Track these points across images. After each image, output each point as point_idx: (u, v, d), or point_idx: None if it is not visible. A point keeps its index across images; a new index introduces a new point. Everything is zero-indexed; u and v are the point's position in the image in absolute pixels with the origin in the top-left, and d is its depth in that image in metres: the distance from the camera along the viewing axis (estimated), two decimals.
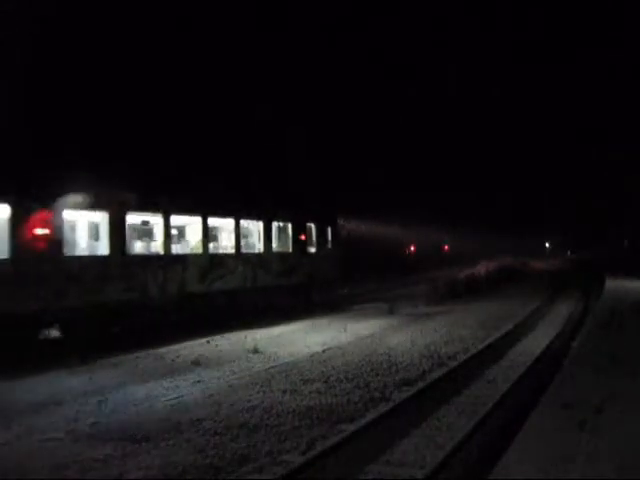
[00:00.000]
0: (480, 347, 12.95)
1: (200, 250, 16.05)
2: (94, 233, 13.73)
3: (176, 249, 15.59)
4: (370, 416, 7.94)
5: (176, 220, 15.53)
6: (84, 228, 13.71)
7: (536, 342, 14.11)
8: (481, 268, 43.81)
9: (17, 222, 11.43)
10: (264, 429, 7.58)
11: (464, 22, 69.71)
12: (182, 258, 15.47)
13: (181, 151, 27.73)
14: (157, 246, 15.16)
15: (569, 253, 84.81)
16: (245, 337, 14.63)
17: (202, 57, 35.08)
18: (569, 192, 73.64)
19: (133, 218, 14.37)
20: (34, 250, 11.66)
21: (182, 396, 9.19)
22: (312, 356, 12.33)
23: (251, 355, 12.45)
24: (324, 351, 12.94)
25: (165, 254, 14.96)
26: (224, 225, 17.47)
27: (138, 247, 14.82)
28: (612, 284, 27.90)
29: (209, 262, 16.14)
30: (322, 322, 17.54)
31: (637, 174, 53.86)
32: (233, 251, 17.22)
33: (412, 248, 56.55)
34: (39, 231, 11.80)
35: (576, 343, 13.08)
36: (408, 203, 49.38)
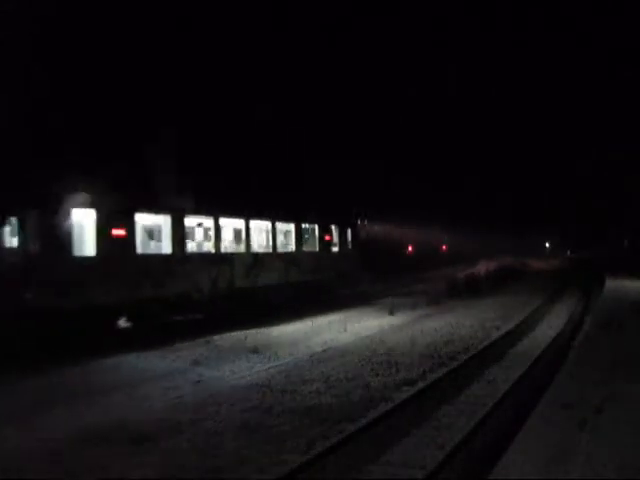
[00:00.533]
0: (480, 347, 12.96)
1: (243, 249, 17.77)
2: (159, 234, 15.34)
3: (224, 248, 17.23)
4: (370, 416, 7.94)
5: (224, 222, 17.19)
6: (151, 230, 15.32)
7: (536, 342, 14.11)
8: (481, 268, 43.81)
9: (102, 225, 13.04)
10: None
11: (464, 22, 69.75)
12: (229, 256, 17.14)
13: (224, 159, 29.84)
14: (209, 246, 16.90)
15: (569, 253, 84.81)
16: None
17: (208, 58, 35.20)
18: (569, 192, 73.67)
19: (190, 221, 16.03)
20: (114, 249, 13.25)
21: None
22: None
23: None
24: (324, 351, 13.06)
25: (216, 253, 16.72)
26: (262, 227, 19.13)
27: (194, 247, 16.50)
28: (612, 284, 27.90)
29: (251, 260, 17.85)
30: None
31: (637, 174, 53.87)
32: (270, 250, 18.99)
33: (410, 248, 56.51)
34: (118, 232, 13.44)
35: (576, 343, 13.09)
36: (408, 203, 49.37)
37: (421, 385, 9.61)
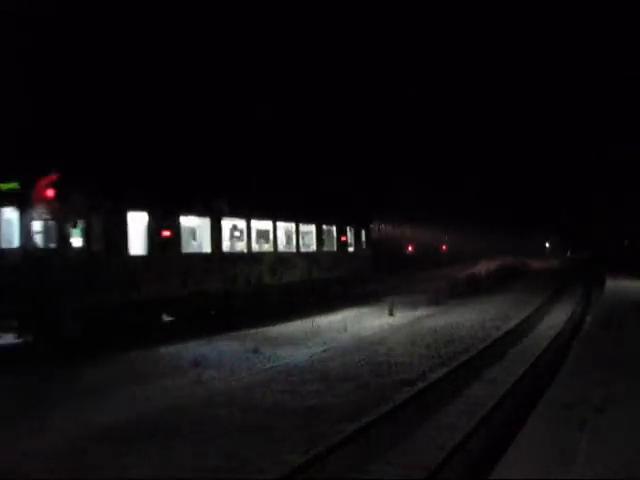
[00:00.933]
0: (480, 347, 12.95)
1: (271, 249, 19.01)
2: (200, 235, 16.50)
3: (255, 248, 18.42)
4: (371, 416, 7.93)
5: (254, 224, 18.32)
6: (194, 231, 16.47)
7: (536, 342, 14.13)
8: (481, 268, 43.83)
9: (152, 227, 14.30)
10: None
11: (465, 21, 69.74)
12: (259, 256, 18.39)
13: (251, 164, 32.07)
14: (242, 246, 17.98)
15: (569, 253, 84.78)
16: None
17: (212, 59, 35.55)
18: (569, 192, 73.67)
19: (225, 223, 17.10)
20: (158, 248, 14.42)
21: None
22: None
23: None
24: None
25: (248, 252, 17.92)
26: (287, 228, 20.34)
27: (229, 246, 17.55)
28: (612, 284, 27.92)
29: (278, 259, 19.10)
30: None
31: (637, 174, 53.91)
32: (294, 250, 20.18)
33: (410, 248, 56.53)
34: (166, 233, 14.70)
35: (576, 343, 13.09)
36: (408, 203, 49.39)
37: (421, 385, 9.60)
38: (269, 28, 44.18)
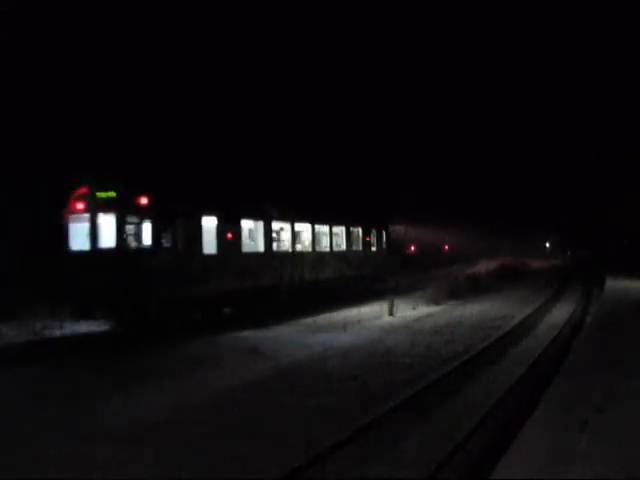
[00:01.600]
0: (481, 347, 12.97)
1: (310, 249, 21.17)
2: (255, 237, 18.62)
3: (297, 248, 20.54)
4: (371, 415, 7.93)
5: (297, 227, 20.53)
6: (250, 233, 18.59)
7: (536, 342, 14.13)
8: (482, 267, 43.85)
9: (221, 229, 16.46)
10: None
11: (467, 22, 69.64)
12: (301, 255, 20.56)
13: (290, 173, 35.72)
14: (287, 246, 20.10)
15: (569, 253, 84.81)
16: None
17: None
18: (569, 192, 73.68)
19: (275, 226, 19.23)
20: (225, 248, 16.57)
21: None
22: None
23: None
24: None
25: (292, 252, 20.02)
26: (322, 230, 22.42)
27: (277, 246, 19.56)
28: (612, 284, 27.91)
29: (315, 258, 21.30)
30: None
31: (637, 173, 53.90)
32: (328, 250, 22.42)
33: (412, 248, 56.57)
34: (230, 235, 16.82)
35: (577, 342, 13.08)
36: (409, 203, 49.40)
37: (423, 384, 9.65)
38: (274, 30, 44.45)
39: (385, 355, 12.47)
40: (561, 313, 19.87)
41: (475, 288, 28.47)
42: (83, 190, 14.89)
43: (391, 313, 19.01)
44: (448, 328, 16.21)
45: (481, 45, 72.09)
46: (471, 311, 20.27)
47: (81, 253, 14.74)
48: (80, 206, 14.80)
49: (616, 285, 27.28)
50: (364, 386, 9.86)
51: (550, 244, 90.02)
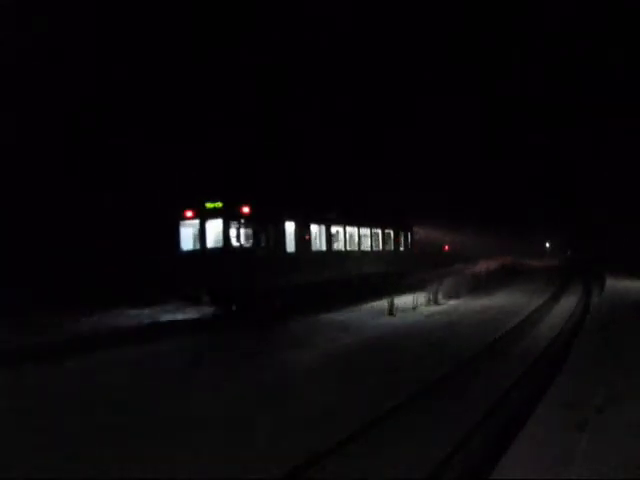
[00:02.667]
0: (481, 348, 13.02)
1: (356, 248, 24.41)
2: (320, 238, 21.88)
3: (348, 247, 23.67)
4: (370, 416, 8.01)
5: (347, 230, 23.72)
6: (316, 235, 21.66)
7: (536, 342, 14.15)
8: (481, 267, 43.95)
9: (297, 232, 19.95)
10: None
11: (467, 21, 69.51)
12: (350, 253, 23.74)
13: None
14: (340, 246, 23.27)
15: (569, 253, 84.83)
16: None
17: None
18: (569, 192, 73.69)
19: (332, 229, 22.58)
20: (302, 247, 20.17)
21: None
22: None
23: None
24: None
25: (344, 251, 23.36)
26: (364, 232, 25.52)
27: (333, 246, 22.68)
28: (612, 284, 27.93)
29: (360, 256, 24.62)
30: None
31: (637, 172, 53.92)
32: (369, 249, 25.84)
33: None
34: (305, 236, 20.42)
35: (577, 343, 13.08)
36: (411, 204, 49.48)
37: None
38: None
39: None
40: (561, 313, 20.06)
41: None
42: (194, 201, 18.12)
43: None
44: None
45: (485, 47, 71.94)
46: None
47: (191, 252, 18.21)
48: (190, 214, 18.07)
49: (616, 285, 27.29)
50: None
51: (550, 244, 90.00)
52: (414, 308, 20.36)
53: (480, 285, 30.02)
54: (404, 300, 21.29)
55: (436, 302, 22.18)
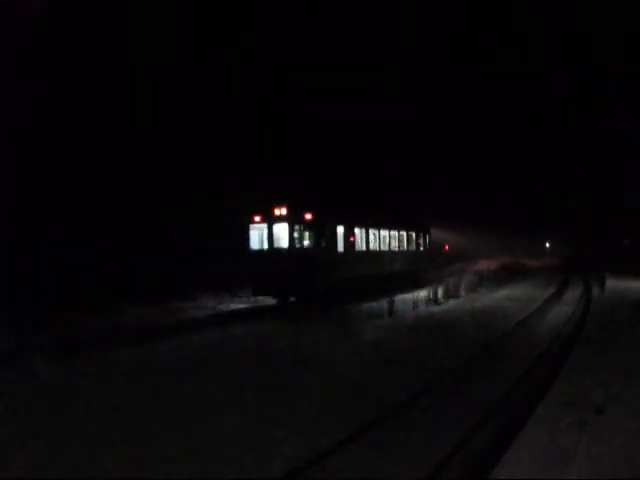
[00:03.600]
0: (480, 348, 13.05)
1: (387, 248, 27.40)
2: (361, 240, 24.59)
3: (381, 247, 26.73)
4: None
5: (381, 232, 26.59)
6: (359, 236, 24.47)
7: (535, 343, 14.15)
8: (482, 266, 44.04)
9: (345, 234, 22.75)
10: None
11: (470, 22, 69.32)
12: (383, 253, 26.91)
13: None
14: (376, 246, 26.10)
15: (569, 253, 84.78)
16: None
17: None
18: (569, 192, 73.67)
19: (370, 231, 25.51)
20: (348, 247, 22.99)
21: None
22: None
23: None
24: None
25: (378, 250, 26.35)
26: (394, 235, 28.62)
27: (371, 247, 25.53)
28: (612, 283, 27.95)
29: (390, 255, 27.70)
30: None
31: (637, 172, 53.93)
32: (397, 249, 28.84)
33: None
34: (351, 238, 23.30)
35: (577, 343, 13.10)
36: (410, 204, 49.46)
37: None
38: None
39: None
40: (561, 313, 20.11)
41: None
42: (262, 207, 20.99)
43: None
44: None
45: (489, 48, 71.80)
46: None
47: (259, 251, 21.21)
48: (258, 218, 21.04)
49: (616, 285, 27.32)
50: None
51: (550, 244, 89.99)
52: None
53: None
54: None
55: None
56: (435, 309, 20.69)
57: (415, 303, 20.73)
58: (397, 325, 16.42)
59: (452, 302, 23.07)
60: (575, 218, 76.11)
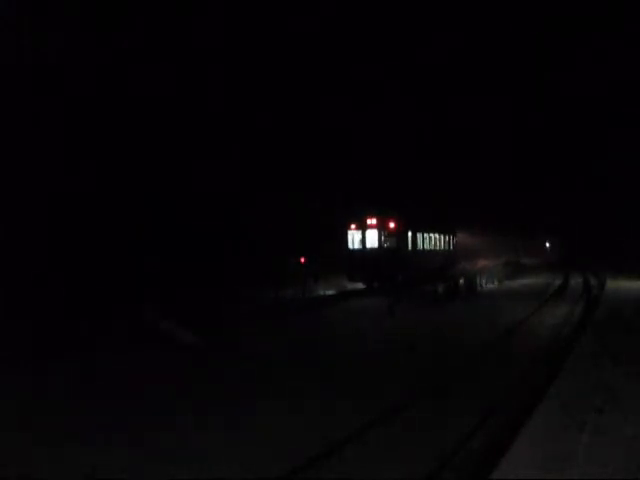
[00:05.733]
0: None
1: (429, 248, 33.69)
2: (416, 241, 31.54)
3: (430, 247, 33.90)
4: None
5: (425, 235, 33.18)
6: (413, 239, 31.23)
7: (536, 342, 14.16)
8: (482, 264, 44.23)
9: (411, 238, 30.74)
10: None
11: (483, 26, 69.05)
12: (430, 251, 33.69)
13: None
14: (423, 246, 32.64)
15: (568, 253, 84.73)
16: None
17: None
18: (569, 192, 73.70)
19: (425, 234, 32.74)
20: (412, 247, 30.86)
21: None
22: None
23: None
24: None
25: (427, 249, 33.26)
26: (436, 237, 35.20)
27: (426, 246, 33.04)
28: (613, 284, 27.96)
29: (432, 254, 33.88)
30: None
31: (637, 173, 53.96)
32: (438, 248, 35.81)
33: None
34: (413, 240, 30.73)
35: (577, 344, 13.09)
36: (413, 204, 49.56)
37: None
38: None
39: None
40: (559, 313, 20.10)
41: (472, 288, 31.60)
42: (357, 218, 29.26)
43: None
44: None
45: (491, 50, 71.67)
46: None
47: (357, 250, 29.17)
48: (354, 226, 29.42)
49: (617, 285, 27.35)
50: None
51: (550, 244, 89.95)
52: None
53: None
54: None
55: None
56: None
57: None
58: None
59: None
60: (575, 218, 76.13)
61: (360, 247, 29.02)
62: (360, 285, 29.71)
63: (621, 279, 31.41)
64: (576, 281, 34.53)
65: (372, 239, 28.97)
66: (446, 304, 22.58)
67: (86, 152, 24.35)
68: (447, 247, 38.00)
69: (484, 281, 30.90)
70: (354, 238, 29.39)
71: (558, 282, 33.60)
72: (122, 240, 24.47)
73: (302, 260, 30.92)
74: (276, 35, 38.58)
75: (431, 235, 34.08)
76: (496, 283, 33.14)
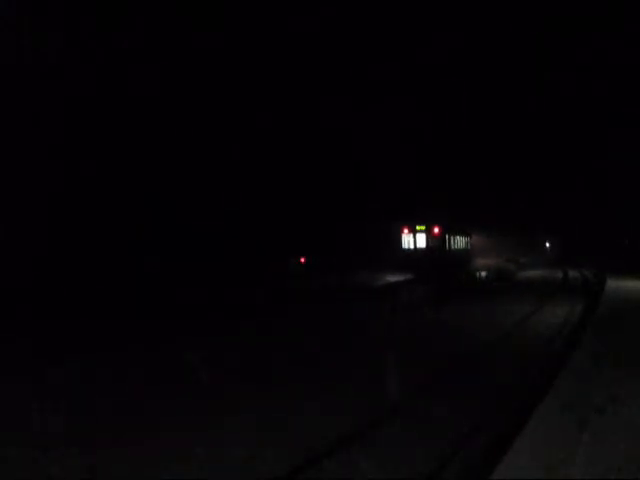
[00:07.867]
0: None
1: (455, 248, 39.66)
2: (450, 242, 38.29)
3: (456, 247, 40.14)
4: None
5: (457, 237, 40.58)
6: (451, 240, 38.61)
7: (534, 343, 14.15)
8: (482, 263, 44.50)
9: (448, 239, 38.09)
10: None
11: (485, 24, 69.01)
12: (457, 250, 40.23)
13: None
14: (455, 246, 39.52)
15: (569, 252, 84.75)
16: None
17: None
18: (569, 191, 73.70)
19: (455, 237, 39.89)
20: (448, 248, 38.60)
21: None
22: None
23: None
24: None
25: (455, 249, 39.83)
26: (461, 239, 42.18)
27: (454, 246, 39.59)
28: (613, 284, 27.95)
29: (459, 253, 40.78)
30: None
31: (637, 171, 53.98)
32: (462, 247, 42.90)
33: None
34: (448, 242, 38.14)
35: (577, 344, 13.09)
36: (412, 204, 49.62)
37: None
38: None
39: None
40: (558, 314, 20.05)
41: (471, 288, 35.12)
42: (409, 224, 36.69)
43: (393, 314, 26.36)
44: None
45: (494, 50, 71.56)
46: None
47: (409, 250, 36.52)
48: (406, 230, 36.87)
49: (617, 285, 27.35)
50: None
51: (550, 244, 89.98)
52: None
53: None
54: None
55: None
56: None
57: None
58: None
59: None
60: (575, 218, 76.14)
61: (412, 247, 36.75)
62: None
63: (621, 279, 31.22)
64: (574, 274, 40.49)
65: (421, 241, 36.68)
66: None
67: (86, 152, 24.37)
68: (466, 246, 45.77)
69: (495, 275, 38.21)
70: (407, 240, 36.97)
71: (561, 274, 40.10)
72: (122, 240, 24.51)
73: (302, 260, 36.23)
74: (276, 35, 38.70)
75: (457, 237, 41.40)
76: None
